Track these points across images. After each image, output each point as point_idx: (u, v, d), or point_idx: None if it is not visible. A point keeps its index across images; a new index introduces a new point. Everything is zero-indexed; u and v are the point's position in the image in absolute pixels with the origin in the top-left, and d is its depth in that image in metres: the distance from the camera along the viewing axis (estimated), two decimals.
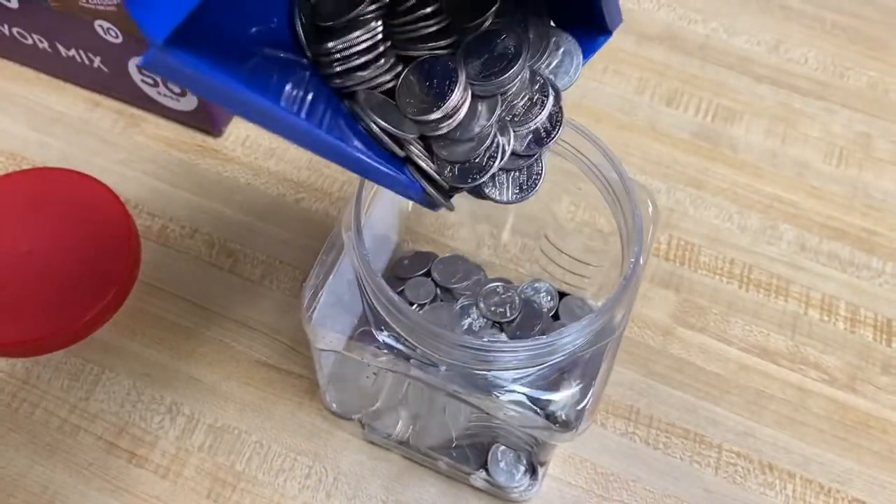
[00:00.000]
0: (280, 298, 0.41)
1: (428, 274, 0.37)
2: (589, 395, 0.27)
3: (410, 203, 0.39)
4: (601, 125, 0.48)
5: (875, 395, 0.40)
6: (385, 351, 0.27)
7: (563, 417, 0.28)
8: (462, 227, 0.40)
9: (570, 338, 0.25)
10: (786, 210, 0.45)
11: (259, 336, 0.39)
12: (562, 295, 0.37)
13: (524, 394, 0.27)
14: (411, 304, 0.35)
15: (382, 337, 0.27)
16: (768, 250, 0.44)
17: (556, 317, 0.36)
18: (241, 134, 0.46)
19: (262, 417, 0.37)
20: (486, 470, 0.35)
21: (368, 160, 0.23)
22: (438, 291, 0.35)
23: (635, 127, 0.48)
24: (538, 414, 0.27)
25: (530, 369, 0.26)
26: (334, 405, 0.36)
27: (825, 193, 0.46)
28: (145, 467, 0.36)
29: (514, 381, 0.27)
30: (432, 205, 0.25)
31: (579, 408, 0.27)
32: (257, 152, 0.45)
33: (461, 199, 0.38)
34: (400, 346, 0.27)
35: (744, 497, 0.37)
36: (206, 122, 0.45)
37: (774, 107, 0.49)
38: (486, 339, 0.25)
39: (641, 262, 0.27)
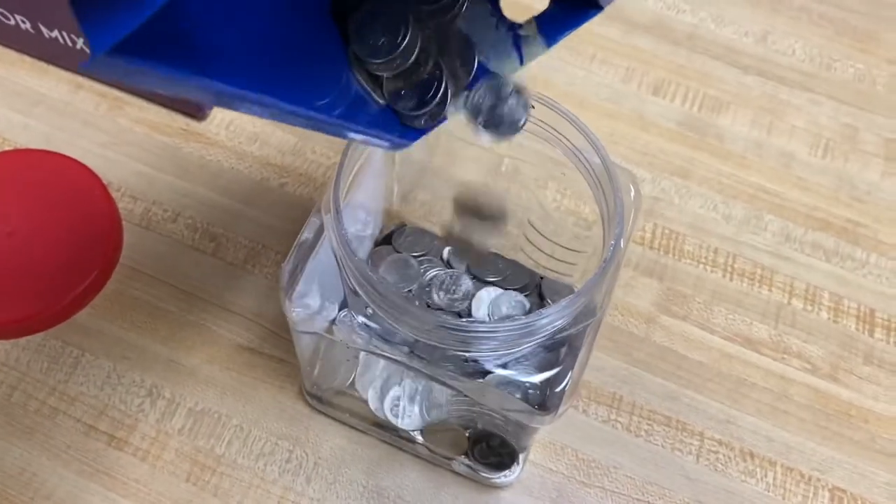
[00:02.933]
0: (263, 283, 0.40)
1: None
2: (568, 378, 0.27)
3: (395, 188, 0.39)
4: (588, 113, 0.48)
5: (857, 385, 0.40)
6: (365, 333, 0.27)
7: (542, 400, 0.28)
8: (446, 212, 0.40)
9: (550, 319, 0.25)
10: (771, 200, 0.45)
11: (241, 320, 0.39)
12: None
13: (504, 376, 0.27)
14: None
15: (362, 318, 0.27)
16: (753, 240, 0.44)
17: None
18: (226, 118, 0.45)
19: (242, 401, 0.37)
20: (467, 455, 0.34)
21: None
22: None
23: (622, 116, 0.48)
24: (517, 396, 0.27)
25: (510, 351, 0.26)
26: (315, 388, 0.36)
27: (810, 184, 0.46)
28: (124, 450, 0.36)
29: (494, 362, 0.26)
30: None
31: (558, 390, 0.27)
32: (241, 136, 0.45)
33: (442, 183, 0.38)
34: (380, 328, 0.27)
35: (725, 484, 0.37)
36: (190, 105, 0.44)
37: (761, 97, 0.49)
38: (465, 320, 0.25)
39: (622, 244, 0.27)
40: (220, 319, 0.39)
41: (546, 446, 0.37)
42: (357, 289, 0.26)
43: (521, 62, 0.26)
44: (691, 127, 0.48)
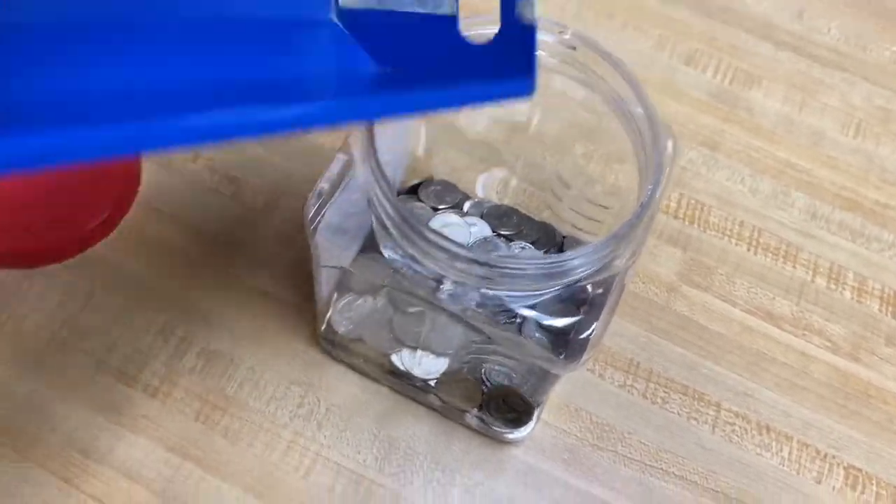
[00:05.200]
0: (280, 228, 0.40)
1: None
2: (594, 326, 0.26)
3: (421, 144, 0.38)
4: None
5: (878, 366, 0.39)
6: (392, 269, 0.26)
7: (567, 345, 0.27)
8: (470, 170, 0.39)
9: (580, 261, 0.24)
10: (799, 177, 0.45)
11: (257, 264, 0.39)
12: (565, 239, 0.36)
13: (529, 317, 0.26)
14: None
15: (389, 253, 0.26)
16: (779, 215, 0.43)
17: None
18: None
19: (256, 344, 0.37)
20: (482, 409, 0.34)
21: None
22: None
23: (652, 84, 0.47)
24: (542, 339, 0.27)
25: (536, 292, 0.26)
26: (330, 332, 0.35)
27: (840, 164, 0.45)
28: (134, 386, 0.35)
29: (520, 303, 0.26)
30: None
31: (583, 337, 0.26)
32: None
33: (465, 144, 0.37)
34: (408, 263, 0.26)
35: (739, 456, 0.37)
36: None
37: (794, 74, 0.48)
38: (495, 255, 0.25)
39: (658, 195, 0.26)
40: (237, 262, 0.39)
41: (560, 408, 0.37)
42: (386, 221, 0.25)
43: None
44: (722, 99, 0.47)
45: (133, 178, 0.40)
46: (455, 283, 0.25)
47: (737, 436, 0.37)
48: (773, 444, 0.37)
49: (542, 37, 0.28)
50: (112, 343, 0.36)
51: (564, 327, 0.26)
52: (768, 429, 0.37)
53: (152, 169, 0.41)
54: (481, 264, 0.24)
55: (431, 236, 0.24)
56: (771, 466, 0.37)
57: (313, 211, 0.27)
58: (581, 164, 0.34)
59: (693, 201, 0.43)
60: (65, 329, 0.36)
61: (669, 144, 0.29)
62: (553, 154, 0.36)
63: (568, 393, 0.37)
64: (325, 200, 0.28)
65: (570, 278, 0.25)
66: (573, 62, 0.28)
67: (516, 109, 0.36)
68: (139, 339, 0.37)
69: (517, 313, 0.26)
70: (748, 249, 0.42)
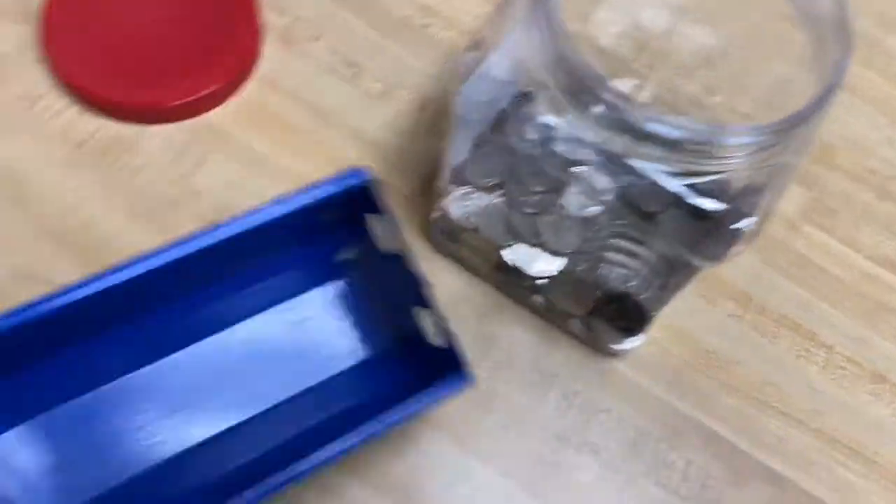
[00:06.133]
0: (392, 119, 0.39)
1: None
2: (752, 218, 0.25)
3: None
4: None
5: None
6: (539, 128, 0.25)
7: (702, 243, 0.26)
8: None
9: (744, 139, 0.23)
10: None
11: (369, 149, 0.38)
12: None
13: (682, 196, 0.24)
14: None
15: (542, 119, 0.25)
16: None
17: None
18: None
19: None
20: (594, 313, 0.33)
21: None
22: None
23: None
24: (680, 228, 0.25)
25: (694, 172, 0.24)
26: (444, 219, 0.34)
27: None
28: None
29: (677, 182, 0.24)
30: None
31: (736, 227, 0.25)
32: None
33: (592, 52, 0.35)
34: (557, 122, 0.25)
35: (847, 401, 0.35)
36: None
37: None
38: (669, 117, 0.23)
39: (835, 93, 0.25)
40: (347, 144, 0.38)
41: (668, 328, 0.35)
42: (547, 77, 0.24)
43: None
44: (862, 42, 0.44)
45: (249, 55, 0.39)
46: (598, 159, 0.24)
47: (847, 381, 0.35)
48: (886, 394, 0.35)
49: None
50: (221, 207, 0.36)
51: (712, 213, 0.25)
52: (883, 378, 0.36)
53: (273, 45, 0.40)
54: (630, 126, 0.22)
55: (606, 95, 0.22)
56: (881, 416, 0.35)
57: (463, 69, 0.26)
58: (733, 69, 0.32)
59: (823, 141, 0.41)
60: (176, 187, 0.36)
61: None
62: (699, 61, 0.34)
63: (678, 315, 0.36)
64: (471, 64, 0.27)
65: (728, 160, 0.24)
66: None
67: (657, 21, 0.34)
68: (247, 207, 0.36)
69: (662, 192, 0.24)
70: (876, 197, 0.40)
